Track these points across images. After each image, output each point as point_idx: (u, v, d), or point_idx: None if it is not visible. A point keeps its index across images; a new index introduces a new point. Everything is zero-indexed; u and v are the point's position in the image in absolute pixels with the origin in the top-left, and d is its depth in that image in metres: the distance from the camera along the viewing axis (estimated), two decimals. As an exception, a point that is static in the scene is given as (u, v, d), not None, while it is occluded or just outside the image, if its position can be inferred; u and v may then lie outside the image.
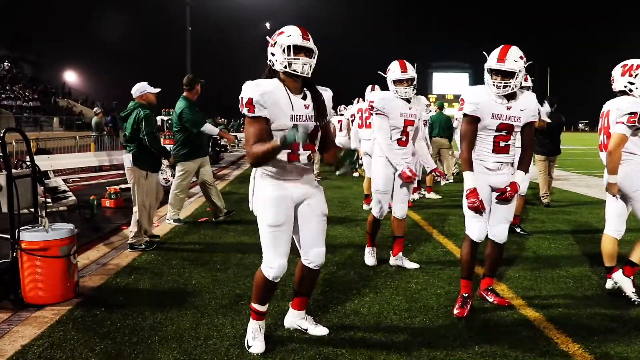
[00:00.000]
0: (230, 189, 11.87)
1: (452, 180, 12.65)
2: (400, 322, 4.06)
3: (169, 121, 16.28)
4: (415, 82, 5.28)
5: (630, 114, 4.37)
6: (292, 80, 3.39)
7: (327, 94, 3.63)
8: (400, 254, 5.57)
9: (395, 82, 5.24)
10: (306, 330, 3.86)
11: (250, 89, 3.30)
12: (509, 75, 3.96)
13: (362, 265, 5.53)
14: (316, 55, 3.41)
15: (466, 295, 4.28)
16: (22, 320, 4.09)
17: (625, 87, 4.61)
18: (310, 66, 3.36)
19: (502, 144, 4.16)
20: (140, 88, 6.47)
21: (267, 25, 60.83)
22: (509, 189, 4.15)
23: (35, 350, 3.55)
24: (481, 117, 4.08)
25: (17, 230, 4.40)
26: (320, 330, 3.85)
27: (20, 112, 34.90)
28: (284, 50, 3.33)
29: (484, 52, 4.23)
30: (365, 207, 9.31)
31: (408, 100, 5.29)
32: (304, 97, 3.45)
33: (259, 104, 3.26)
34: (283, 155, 3.37)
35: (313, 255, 3.72)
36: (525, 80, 6.72)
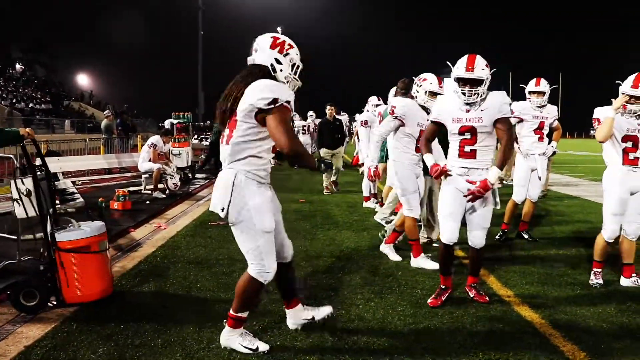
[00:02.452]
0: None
1: None
2: (404, 327, 4.03)
3: (178, 124, 16.36)
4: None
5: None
6: None
7: None
8: (422, 254, 5.78)
9: (431, 93, 5.55)
10: (313, 318, 3.89)
11: (287, 92, 3.30)
12: (477, 83, 4.22)
13: (368, 271, 5.50)
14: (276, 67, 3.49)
15: (443, 287, 4.63)
16: (27, 321, 4.10)
17: None
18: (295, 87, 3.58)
19: (467, 148, 4.32)
20: None
21: (279, 29, 61.36)
22: (477, 185, 4.19)
23: (38, 351, 3.55)
24: (444, 122, 4.43)
25: (51, 232, 4.41)
26: (325, 310, 3.94)
27: (33, 115, 35.16)
28: (292, 66, 3.51)
29: (448, 62, 4.55)
30: (365, 204, 9.80)
31: (427, 111, 5.51)
32: None
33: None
34: (269, 159, 3.53)
35: (287, 249, 3.90)
36: (537, 84, 6.70)
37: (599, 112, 5.05)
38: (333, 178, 11.77)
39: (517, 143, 6.88)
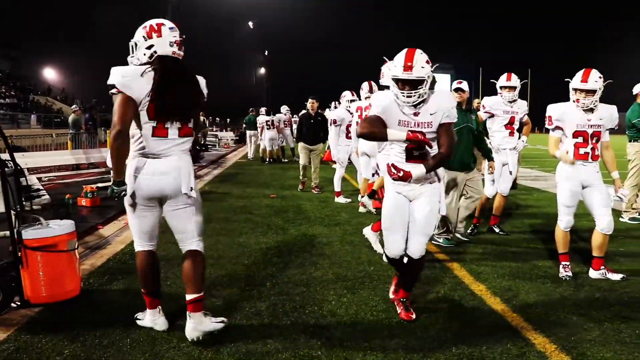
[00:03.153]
0: (210, 188, 11.75)
1: None
2: (377, 323, 4.01)
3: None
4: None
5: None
6: None
7: None
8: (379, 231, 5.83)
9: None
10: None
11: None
12: (418, 83, 3.72)
13: (340, 266, 5.47)
14: (137, 46, 3.68)
15: (404, 299, 4.18)
16: (-12, 322, 3.96)
17: None
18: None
19: (415, 152, 3.85)
20: None
21: (250, 24, 61.02)
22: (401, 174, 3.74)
23: None
24: (387, 123, 3.83)
25: (17, 229, 4.26)
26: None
27: (-4, 109, 34.32)
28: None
29: (385, 58, 4.08)
30: (336, 199, 9.83)
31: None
32: None
33: None
34: None
35: None
36: (508, 79, 6.75)
37: (552, 110, 5.23)
38: (314, 181, 11.18)
39: (488, 138, 6.92)
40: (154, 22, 3.69)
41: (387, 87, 5.65)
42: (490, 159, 6.58)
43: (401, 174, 3.72)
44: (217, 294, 4.61)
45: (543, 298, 4.56)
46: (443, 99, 3.85)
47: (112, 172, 3.52)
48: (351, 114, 9.31)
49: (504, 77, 6.85)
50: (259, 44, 69.61)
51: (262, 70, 69.83)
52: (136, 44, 3.69)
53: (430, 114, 3.78)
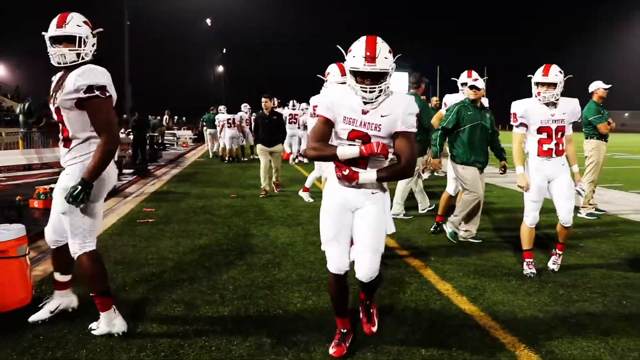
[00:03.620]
0: (168, 188, 11.48)
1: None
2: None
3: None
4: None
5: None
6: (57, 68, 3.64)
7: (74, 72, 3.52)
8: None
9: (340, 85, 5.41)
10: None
11: None
12: (380, 77, 3.18)
13: (304, 267, 5.36)
14: (85, 40, 3.59)
15: (344, 330, 3.59)
16: None
17: None
18: (64, 55, 3.53)
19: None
20: None
21: (208, 21, 60.34)
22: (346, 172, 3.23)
23: (-57, 369, 3.21)
24: (333, 120, 3.31)
25: None
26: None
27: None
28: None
29: (339, 47, 3.44)
30: (300, 193, 9.92)
31: None
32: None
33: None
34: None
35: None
36: (471, 77, 6.76)
37: (516, 107, 5.31)
38: (274, 179, 10.80)
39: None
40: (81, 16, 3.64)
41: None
42: (503, 158, 6.66)
43: (346, 172, 3.21)
44: (178, 299, 4.43)
45: (509, 296, 4.55)
46: (401, 103, 3.25)
47: (86, 175, 3.49)
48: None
49: (464, 74, 6.88)
50: (217, 41, 68.86)
51: (221, 68, 69.16)
52: (83, 39, 3.59)
53: (382, 116, 3.21)
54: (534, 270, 5.17)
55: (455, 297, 4.50)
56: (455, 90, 7.52)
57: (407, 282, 4.91)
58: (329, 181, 3.51)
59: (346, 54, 3.27)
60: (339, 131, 3.32)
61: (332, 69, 5.74)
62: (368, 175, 3.22)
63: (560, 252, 5.40)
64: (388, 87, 3.24)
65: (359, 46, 3.19)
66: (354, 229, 3.41)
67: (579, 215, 8.25)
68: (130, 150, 16.65)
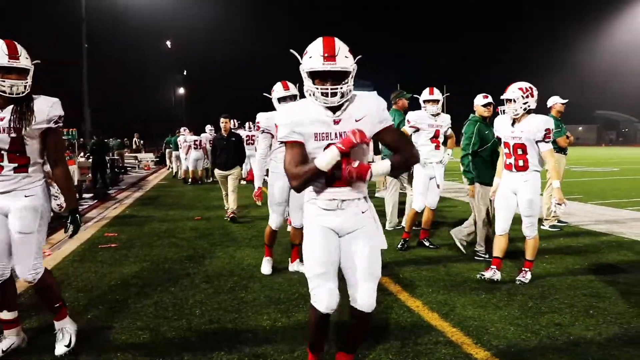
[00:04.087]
0: (131, 212, 11.23)
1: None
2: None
3: (66, 142, 15.34)
4: (297, 99, 5.58)
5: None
6: None
7: (43, 103, 3.62)
8: (298, 260, 5.87)
9: (280, 99, 5.66)
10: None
11: None
12: (341, 76, 2.89)
13: (272, 288, 5.27)
14: (31, 72, 3.55)
15: None
16: None
17: None
18: (19, 87, 3.45)
19: (337, 173, 2.93)
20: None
21: (168, 43, 59.99)
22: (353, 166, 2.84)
23: None
24: (304, 141, 2.97)
25: None
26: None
27: None
28: None
29: (292, 51, 3.08)
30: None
31: None
32: (2, 109, 3.50)
33: None
34: None
35: (17, 270, 3.69)
36: (431, 93, 6.83)
37: (496, 122, 5.62)
38: (231, 206, 9.98)
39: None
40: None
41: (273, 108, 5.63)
42: None
43: (356, 164, 2.82)
44: (143, 326, 4.29)
45: (479, 310, 4.55)
46: (370, 101, 3.02)
47: (74, 204, 3.88)
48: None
49: (426, 91, 6.93)
50: (177, 63, 68.48)
51: (182, 90, 68.72)
52: (30, 71, 3.62)
53: (356, 120, 2.93)
54: (494, 276, 5.36)
55: (426, 314, 4.47)
56: (417, 107, 7.57)
57: (377, 299, 4.84)
58: (308, 206, 3.13)
59: (301, 57, 2.98)
60: (311, 151, 2.96)
61: (276, 85, 5.79)
62: (381, 166, 2.90)
63: (527, 269, 5.43)
64: (351, 91, 2.92)
65: (315, 46, 2.92)
66: (348, 256, 3.05)
67: (542, 227, 8.36)
68: (90, 175, 16.31)
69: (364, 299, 3.02)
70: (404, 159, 3.01)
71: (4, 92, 3.43)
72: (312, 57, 2.89)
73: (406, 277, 5.62)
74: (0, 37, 3.53)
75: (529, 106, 5.22)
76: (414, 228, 7.14)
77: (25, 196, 3.63)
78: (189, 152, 18.20)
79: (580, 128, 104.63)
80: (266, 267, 5.96)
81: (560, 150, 8.64)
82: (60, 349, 3.77)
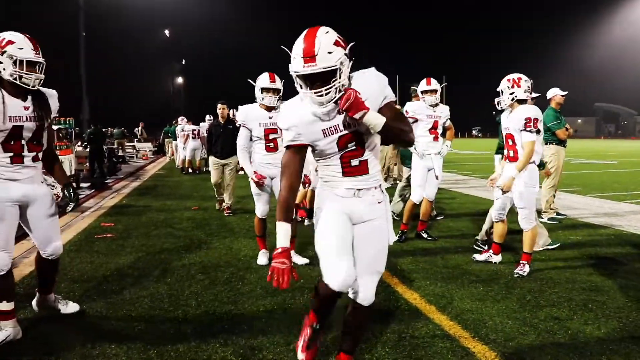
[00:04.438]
0: (128, 202, 11.18)
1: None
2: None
3: (63, 131, 15.26)
4: (281, 94, 5.68)
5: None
6: (14, 86, 3.67)
7: (50, 95, 3.98)
8: (292, 251, 5.86)
9: (263, 89, 5.63)
10: (59, 310, 4.29)
11: None
12: (329, 75, 2.66)
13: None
14: (44, 67, 3.78)
15: (317, 326, 3.20)
16: None
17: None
18: (40, 80, 3.75)
19: (354, 162, 2.87)
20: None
21: (166, 31, 59.68)
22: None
23: None
24: (310, 143, 2.85)
25: None
26: (72, 307, 4.33)
27: None
28: (15, 63, 3.61)
29: (283, 47, 2.85)
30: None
31: (270, 109, 5.67)
32: (25, 99, 3.75)
33: None
34: (6, 158, 3.68)
35: (51, 248, 4.08)
36: (429, 83, 6.78)
37: (408, 106, 6.47)
38: (226, 200, 9.74)
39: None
40: None
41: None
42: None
43: (352, 98, 2.57)
44: (138, 317, 4.25)
45: (477, 304, 4.51)
46: (371, 79, 2.83)
47: (64, 178, 4.26)
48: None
49: (424, 82, 6.87)
50: (176, 52, 68.20)
51: (180, 80, 68.48)
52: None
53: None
54: (489, 258, 5.72)
55: (423, 307, 4.44)
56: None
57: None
58: (323, 189, 3.02)
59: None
60: (324, 148, 2.82)
61: (263, 75, 5.74)
62: (376, 116, 2.66)
63: (525, 262, 5.41)
64: (344, 85, 2.69)
65: (297, 45, 2.70)
66: (356, 249, 2.96)
67: (541, 220, 8.33)
68: (87, 164, 16.24)
69: (364, 292, 2.97)
70: (399, 127, 2.75)
71: (28, 84, 3.66)
72: (295, 59, 2.70)
73: (404, 269, 5.58)
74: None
75: (516, 96, 5.30)
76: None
77: (41, 183, 3.96)
78: (186, 141, 18.14)
79: (579, 120, 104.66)
80: (262, 258, 5.97)
81: (560, 142, 8.59)
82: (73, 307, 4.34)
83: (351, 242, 2.93)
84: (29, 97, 3.75)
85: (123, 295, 4.80)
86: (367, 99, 2.68)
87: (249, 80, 5.89)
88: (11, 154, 3.69)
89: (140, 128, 32.10)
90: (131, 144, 30.60)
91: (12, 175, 3.72)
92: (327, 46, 2.62)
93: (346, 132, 2.78)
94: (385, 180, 13.58)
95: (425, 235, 7.07)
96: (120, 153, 24.19)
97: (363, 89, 2.70)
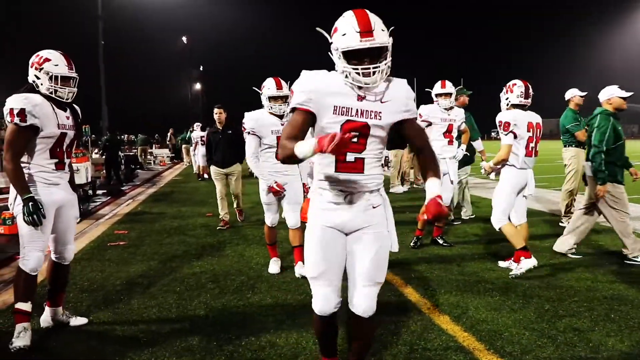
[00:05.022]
0: (143, 209, 11.16)
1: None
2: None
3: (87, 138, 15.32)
4: (288, 100, 5.37)
5: None
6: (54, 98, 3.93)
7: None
8: (301, 262, 5.58)
9: (270, 98, 5.48)
10: (68, 323, 4.24)
11: (16, 102, 3.72)
12: (380, 53, 2.62)
13: (279, 289, 5.12)
14: (77, 81, 4.06)
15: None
16: None
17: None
18: (74, 94, 4.02)
19: (349, 157, 2.70)
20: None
21: (184, 39, 60.07)
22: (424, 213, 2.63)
23: None
24: (317, 113, 2.68)
25: None
26: (80, 321, 4.30)
27: None
28: (50, 79, 3.87)
29: (319, 29, 2.77)
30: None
31: (281, 117, 5.51)
32: (65, 110, 4.05)
33: (31, 114, 3.73)
34: (52, 164, 3.91)
35: (67, 252, 4.21)
36: (443, 86, 6.64)
37: (422, 109, 6.66)
38: (237, 204, 9.31)
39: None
40: (38, 55, 4.00)
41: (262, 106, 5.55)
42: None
43: (337, 140, 2.27)
44: (144, 328, 4.17)
45: (493, 313, 4.35)
46: (401, 87, 2.79)
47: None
48: None
49: (438, 84, 6.74)
50: (193, 59, 68.58)
51: (198, 86, 68.86)
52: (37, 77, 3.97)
53: (382, 102, 2.69)
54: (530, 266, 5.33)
55: (437, 317, 4.29)
56: (430, 101, 7.38)
57: (387, 301, 4.69)
58: (315, 197, 2.87)
59: (330, 36, 2.71)
60: (325, 126, 2.68)
61: (268, 81, 5.53)
62: (437, 185, 2.68)
63: (512, 260, 5.56)
64: (389, 68, 2.65)
65: (348, 21, 2.62)
66: (352, 258, 2.82)
67: (560, 224, 8.12)
68: (104, 171, 16.31)
69: (360, 303, 2.80)
70: (432, 160, 2.78)
71: (62, 97, 3.93)
72: (347, 35, 2.60)
73: (418, 276, 5.44)
74: (21, 33, 3.73)
75: (509, 101, 5.56)
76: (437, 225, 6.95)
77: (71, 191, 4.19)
78: (196, 147, 18.25)
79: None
80: (274, 266, 5.83)
81: (579, 144, 8.35)
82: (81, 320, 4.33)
83: (341, 262, 2.83)
84: (67, 109, 4.07)
85: (131, 305, 4.72)
86: (391, 100, 2.69)
87: (254, 88, 5.78)
88: (56, 160, 3.94)
89: (169, 134, 32.24)
90: (150, 150, 30.75)
91: (56, 181, 3.97)
92: (380, 24, 2.61)
93: (356, 119, 2.66)
94: (402, 184, 13.42)
95: (441, 241, 6.91)
96: (141, 160, 24.33)
97: (391, 91, 2.71)
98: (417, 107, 8.99)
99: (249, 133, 5.51)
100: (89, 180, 13.14)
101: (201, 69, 69.95)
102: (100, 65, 28.81)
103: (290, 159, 2.56)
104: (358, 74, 2.58)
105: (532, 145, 5.53)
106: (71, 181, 4.22)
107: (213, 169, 8.97)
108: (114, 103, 34.86)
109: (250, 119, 5.51)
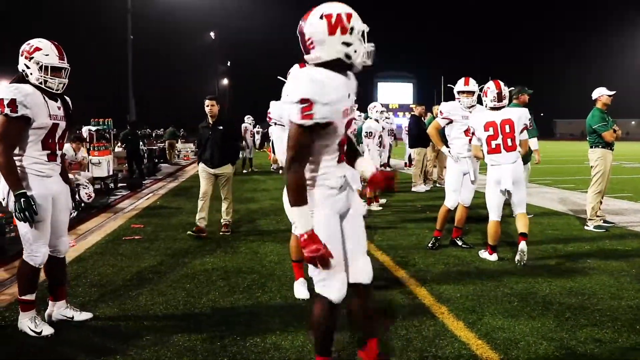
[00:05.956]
0: (162, 203, 11.14)
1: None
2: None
3: (99, 131, 15.39)
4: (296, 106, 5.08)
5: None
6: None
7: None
8: (302, 278, 4.89)
9: None
10: (72, 317, 4.16)
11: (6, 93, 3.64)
12: None
13: (289, 288, 4.96)
14: (68, 72, 4.00)
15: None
16: None
17: None
18: (64, 85, 3.96)
19: (345, 148, 2.89)
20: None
21: (212, 34, 60.29)
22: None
23: None
24: (334, 121, 2.63)
25: None
26: (85, 315, 4.21)
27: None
28: (40, 68, 3.80)
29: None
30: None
31: None
32: (56, 101, 3.99)
33: (22, 104, 3.64)
34: (44, 155, 3.85)
35: (62, 245, 4.14)
36: (466, 84, 6.43)
37: (443, 107, 6.67)
38: (224, 216, 8.03)
39: (448, 146, 6.58)
40: (29, 43, 3.96)
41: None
42: None
43: (319, 254, 2.57)
44: (149, 325, 4.08)
45: (510, 321, 4.15)
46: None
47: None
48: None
49: (461, 81, 6.52)
50: (221, 54, 68.89)
51: (225, 81, 69.15)
52: (27, 66, 3.93)
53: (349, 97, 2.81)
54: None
55: (450, 322, 4.11)
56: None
57: (400, 304, 4.53)
58: (316, 190, 2.77)
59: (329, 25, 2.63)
60: (330, 134, 2.66)
61: (294, 69, 4.79)
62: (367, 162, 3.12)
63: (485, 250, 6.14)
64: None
65: (346, 8, 2.68)
66: (347, 230, 2.89)
67: (585, 228, 7.85)
68: (126, 165, 16.37)
69: (368, 270, 2.92)
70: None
71: (52, 88, 3.87)
72: (356, 18, 2.70)
73: (434, 279, 5.25)
74: (49, 27, 3.68)
75: (486, 104, 6.04)
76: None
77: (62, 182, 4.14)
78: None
79: (632, 122, 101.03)
80: (301, 289, 4.82)
81: (607, 145, 8.05)
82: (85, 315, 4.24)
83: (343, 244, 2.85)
84: (58, 99, 4.01)
85: (138, 301, 4.64)
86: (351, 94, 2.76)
87: (279, 77, 5.55)
88: (48, 152, 3.89)
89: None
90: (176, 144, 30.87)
91: (49, 172, 3.92)
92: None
93: (350, 117, 2.81)
94: (425, 183, 13.21)
95: (460, 243, 6.70)
96: (167, 154, 24.47)
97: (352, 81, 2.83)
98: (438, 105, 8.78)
99: (275, 124, 4.97)
100: (111, 173, 13.19)
101: (228, 64, 70.22)
102: (129, 60, 29.06)
103: (293, 193, 2.59)
104: (364, 54, 2.73)
105: (495, 142, 5.85)
106: (63, 172, 4.16)
107: (201, 167, 7.89)
108: (140, 97, 35.16)
109: (276, 108, 4.90)
